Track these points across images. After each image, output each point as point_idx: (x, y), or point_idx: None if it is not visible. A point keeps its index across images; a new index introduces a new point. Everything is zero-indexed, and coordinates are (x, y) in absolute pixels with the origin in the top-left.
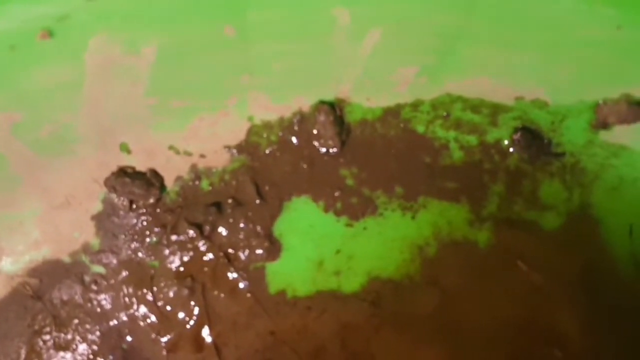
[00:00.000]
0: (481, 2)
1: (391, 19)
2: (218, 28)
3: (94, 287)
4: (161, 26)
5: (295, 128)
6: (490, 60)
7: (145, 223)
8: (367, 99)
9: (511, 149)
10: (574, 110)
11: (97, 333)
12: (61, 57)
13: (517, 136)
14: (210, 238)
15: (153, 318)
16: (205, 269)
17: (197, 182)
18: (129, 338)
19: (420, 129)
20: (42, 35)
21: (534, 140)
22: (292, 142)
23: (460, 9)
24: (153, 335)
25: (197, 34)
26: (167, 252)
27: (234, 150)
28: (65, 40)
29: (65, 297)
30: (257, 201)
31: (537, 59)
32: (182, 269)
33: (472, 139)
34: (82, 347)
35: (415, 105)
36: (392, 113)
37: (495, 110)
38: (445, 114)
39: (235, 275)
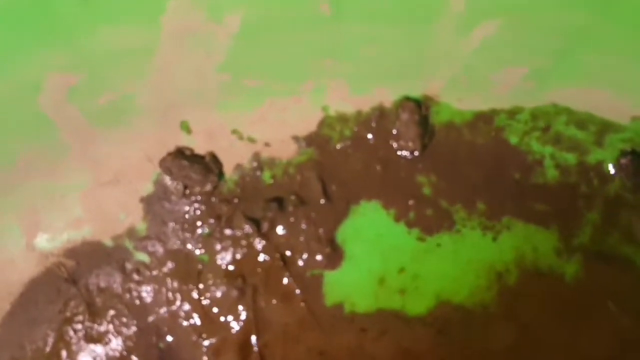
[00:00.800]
0: (623, 3)
1: (512, 11)
2: (313, 3)
3: (136, 277)
4: None
5: (373, 124)
6: (612, 70)
7: (198, 212)
8: (459, 99)
9: (614, 174)
10: None
11: (134, 328)
12: (135, 18)
13: (625, 160)
14: (268, 236)
15: (196, 318)
16: (259, 270)
17: (258, 173)
18: (168, 337)
19: (514, 139)
20: None
21: None
22: (367, 139)
23: (592, 9)
24: (194, 338)
25: (288, 8)
26: (218, 246)
27: (303, 142)
28: None
29: (102, 285)
30: (322, 201)
31: None
32: (233, 267)
33: (571, 158)
34: (116, 342)
35: (513, 113)
36: (484, 118)
37: (604, 128)
38: (545, 126)
39: (290, 280)
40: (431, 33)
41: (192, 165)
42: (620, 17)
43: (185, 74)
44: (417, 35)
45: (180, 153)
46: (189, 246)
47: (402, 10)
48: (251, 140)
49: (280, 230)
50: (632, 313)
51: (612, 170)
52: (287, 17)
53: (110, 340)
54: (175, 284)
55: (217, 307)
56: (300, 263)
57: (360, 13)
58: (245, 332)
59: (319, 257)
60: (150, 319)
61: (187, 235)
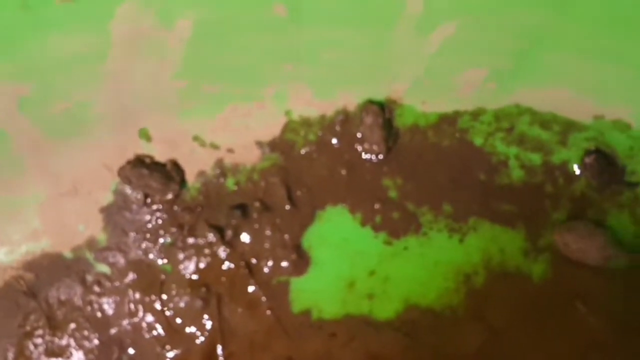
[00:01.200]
0: (576, 2)
1: (470, 12)
2: (267, 5)
3: (97, 289)
4: None
5: (337, 128)
6: (573, 70)
7: (160, 221)
8: (423, 102)
9: (579, 173)
10: None
11: (96, 341)
12: (83, 24)
13: (589, 159)
14: (232, 244)
15: (160, 329)
16: (223, 279)
17: (221, 180)
18: (130, 350)
19: (478, 141)
20: None
21: (607, 165)
22: (332, 143)
23: (550, 8)
24: (158, 349)
25: (241, 10)
26: (181, 256)
27: (266, 147)
28: (88, 4)
29: (63, 297)
30: (287, 207)
31: (629, 75)
32: (196, 276)
33: (536, 158)
34: (77, 356)
35: (476, 114)
36: (448, 120)
37: (568, 128)
38: (508, 126)
39: (255, 288)
40: (390, 36)
41: (152, 173)
42: (577, 16)
43: (141, 81)
44: (376, 38)
45: (139, 161)
46: (151, 256)
47: (360, 13)
48: (214, 146)
49: (244, 237)
50: (600, 313)
51: (577, 170)
52: (241, 19)
53: (71, 354)
54: (138, 295)
55: (181, 317)
56: (266, 270)
57: (318, 16)
58: (210, 342)
59: (284, 264)
60: (113, 331)
61: (149, 245)
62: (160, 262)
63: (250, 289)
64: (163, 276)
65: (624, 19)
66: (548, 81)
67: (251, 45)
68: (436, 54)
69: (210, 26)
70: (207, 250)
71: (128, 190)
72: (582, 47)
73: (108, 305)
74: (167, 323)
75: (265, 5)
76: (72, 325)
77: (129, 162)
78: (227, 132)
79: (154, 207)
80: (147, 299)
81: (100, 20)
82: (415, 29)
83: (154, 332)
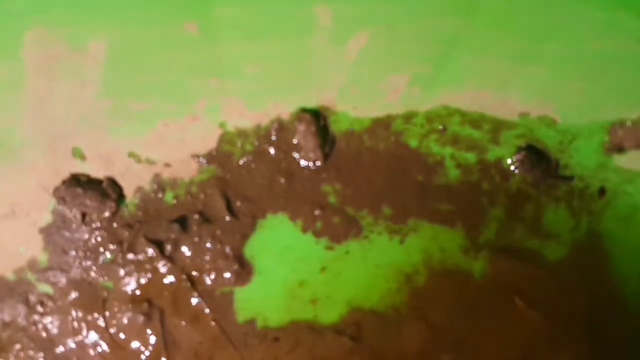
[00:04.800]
0: (484, 5)
1: (379, 22)
2: (176, 24)
3: (40, 309)
4: (109, 20)
5: (273, 138)
6: (492, 71)
7: (99, 239)
8: (354, 108)
9: (514, 170)
10: (586, 130)
11: None
12: None
13: (520, 156)
14: (172, 259)
15: (104, 347)
16: (165, 293)
17: (160, 195)
18: None
19: (414, 143)
20: None
21: (539, 161)
22: (269, 153)
23: (459, 13)
24: None
25: (151, 30)
26: (122, 272)
27: (204, 160)
28: None
29: (7, 319)
30: (228, 218)
31: (547, 72)
32: (138, 292)
33: (471, 157)
34: None
35: (408, 117)
36: (382, 124)
37: (498, 127)
38: (441, 128)
39: (198, 301)
40: (308, 47)
41: (87, 192)
42: (486, 19)
43: (64, 103)
44: (295, 50)
45: (74, 181)
46: (92, 274)
47: (273, 27)
48: (150, 162)
49: (185, 251)
50: (539, 307)
51: (511, 166)
52: (152, 39)
53: None
54: (81, 314)
55: (124, 333)
56: (209, 282)
57: (229, 32)
58: (155, 356)
59: (227, 275)
60: (58, 350)
61: (90, 263)
62: (101, 280)
63: (194, 301)
64: (105, 293)
65: (533, 21)
66: (470, 83)
67: (169, 62)
68: (356, 63)
69: (124, 46)
70: (147, 266)
71: (66, 210)
72: (498, 49)
73: (52, 325)
74: (112, 340)
75: (174, 24)
76: (18, 346)
77: (64, 182)
78: (162, 147)
79: (93, 225)
80: (90, 317)
81: (9, 48)
82: (329, 40)
83: (99, 349)
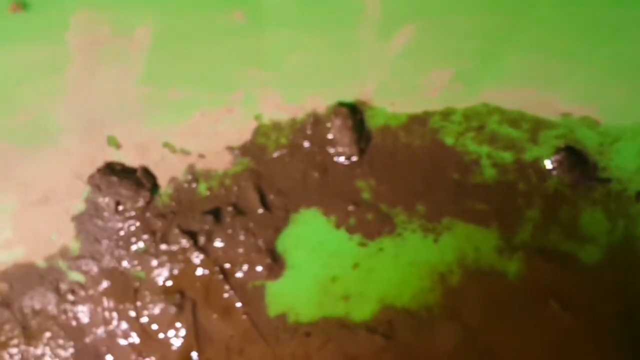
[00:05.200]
0: (538, 3)
1: (428, 15)
2: (226, 12)
3: (71, 298)
4: (157, 5)
5: (308, 131)
6: (537, 69)
7: (132, 228)
8: (392, 103)
9: (551, 171)
10: (628, 132)
11: (71, 350)
12: (38, 36)
13: (559, 157)
14: (205, 250)
15: (135, 337)
16: (197, 284)
17: (193, 185)
18: (107, 357)
19: (450, 140)
20: (13, 8)
21: (578, 162)
22: (303, 146)
23: (510, 9)
24: (134, 356)
25: (199, 17)
26: (155, 262)
27: (238, 152)
28: (41, 15)
29: (37, 307)
30: (260, 211)
31: (593, 73)
32: (170, 283)
33: (508, 156)
34: None
35: (446, 114)
36: (418, 121)
37: (537, 126)
38: (479, 126)
39: (230, 293)
40: (353, 39)
41: (121, 180)
42: (537, 17)
43: (104, 89)
44: (339, 42)
45: (109, 169)
46: (124, 264)
47: (320, 17)
48: (184, 152)
49: (218, 242)
50: (574, 309)
51: (549, 167)
52: (199, 26)
53: None
54: (112, 303)
55: (155, 324)
56: (241, 275)
57: (277, 21)
58: (186, 348)
59: (259, 268)
60: (88, 339)
61: (122, 252)
62: (133, 269)
63: (225, 294)
64: (137, 283)
65: (588, 20)
66: (514, 80)
67: (213, 51)
68: (400, 57)
69: (170, 33)
70: (180, 257)
71: (99, 198)
72: (547, 47)
73: (83, 314)
74: (142, 330)
75: (223, 11)
76: (47, 334)
77: (98, 170)
78: (197, 138)
79: (126, 214)
80: (121, 306)
81: (55, 31)
82: (376, 32)
83: (129, 340)
